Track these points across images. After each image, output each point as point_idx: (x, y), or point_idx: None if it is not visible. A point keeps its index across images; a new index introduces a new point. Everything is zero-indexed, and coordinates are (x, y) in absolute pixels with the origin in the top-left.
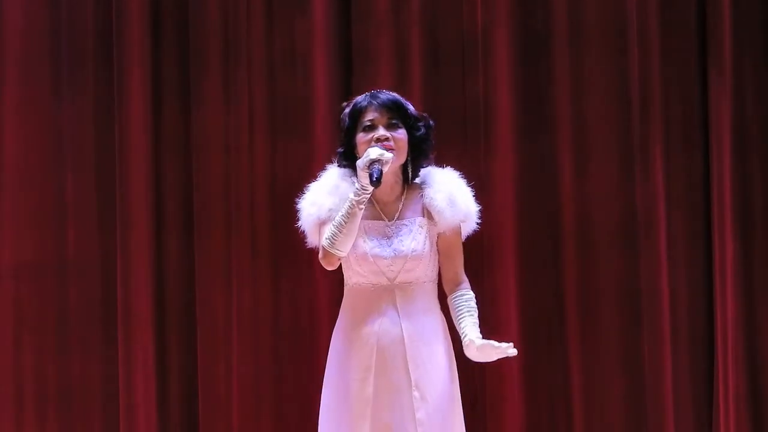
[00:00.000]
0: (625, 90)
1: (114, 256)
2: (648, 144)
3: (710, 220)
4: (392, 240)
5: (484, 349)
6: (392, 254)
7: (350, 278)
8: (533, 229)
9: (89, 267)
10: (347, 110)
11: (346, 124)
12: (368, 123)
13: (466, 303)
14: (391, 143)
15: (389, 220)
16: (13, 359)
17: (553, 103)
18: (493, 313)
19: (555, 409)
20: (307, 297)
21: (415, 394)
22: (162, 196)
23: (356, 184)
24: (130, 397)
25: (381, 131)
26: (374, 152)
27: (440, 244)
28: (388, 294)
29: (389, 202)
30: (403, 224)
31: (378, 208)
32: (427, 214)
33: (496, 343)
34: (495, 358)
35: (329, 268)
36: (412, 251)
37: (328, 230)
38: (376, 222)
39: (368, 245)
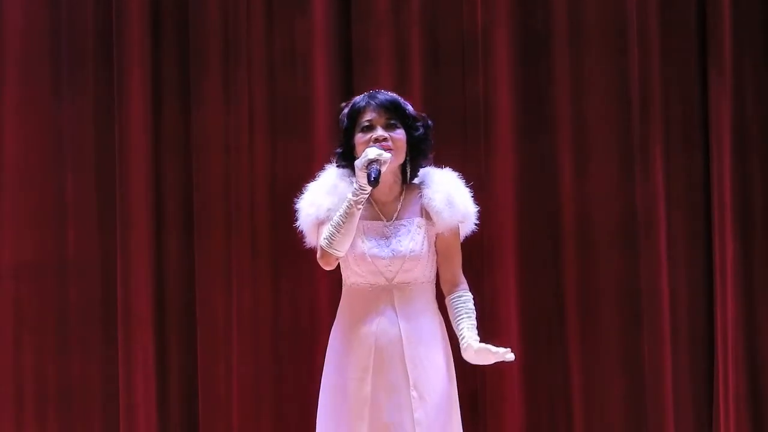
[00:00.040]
0: (625, 90)
1: (114, 256)
2: (648, 144)
3: (710, 220)
4: (390, 240)
5: (481, 353)
6: (390, 254)
7: (348, 278)
8: (533, 229)
9: (89, 267)
10: (346, 110)
11: (345, 124)
12: (366, 123)
13: (464, 305)
14: (389, 143)
15: (388, 221)
16: (13, 359)
17: (553, 103)
18: (493, 313)
19: (555, 409)
20: (307, 297)
21: (414, 394)
22: (162, 196)
23: (354, 184)
24: (130, 397)
25: (379, 131)
26: (372, 152)
27: (438, 244)
28: (386, 294)
29: (388, 202)
30: (402, 224)
31: (376, 209)
32: (426, 214)
33: (493, 348)
34: (492, 362)
35: (327, 268)
36: (411, 251)
37: (326, 230)
38: (374, 222)
39: (366, 245)
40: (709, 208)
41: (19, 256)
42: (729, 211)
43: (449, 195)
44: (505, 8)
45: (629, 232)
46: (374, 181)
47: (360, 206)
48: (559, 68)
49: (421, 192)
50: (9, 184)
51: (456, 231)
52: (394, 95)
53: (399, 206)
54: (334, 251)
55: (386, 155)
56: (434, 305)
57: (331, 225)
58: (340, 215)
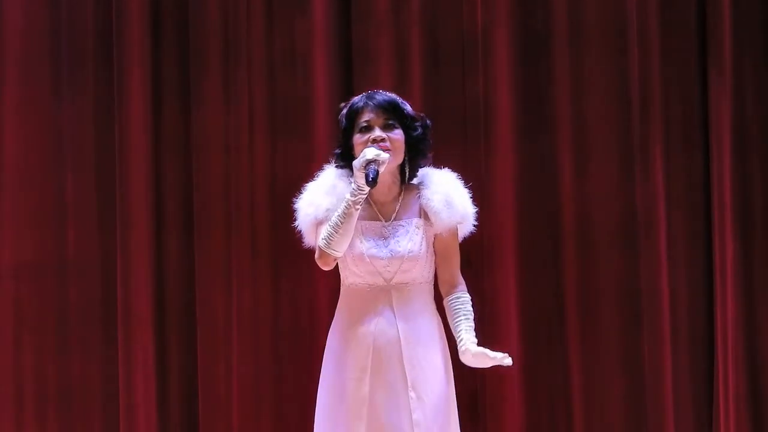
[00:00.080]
0: (625, 90)
1: (114, 256)
2: (648, 144)
3: (710, 220)
4: (389, 240)
5: (479, 357)
6: (389, 255)
7: (347, 278)
8: (533, 229)
9: (89, 267)
10: (344, 111)
11: (344, 125)
12: (364, 124)
13: (462, 306)
14: (387, 144)
15: (386, 221)
16: (13, 359)
17: (553, 103)
18: (493, 313)
19: (555, 409)
20: (307, 297)
21: (412, 394)
22: (162, 196)
23: (353, 185)
24: (130, 397)
25: (377, 132)
26: (371, 152)
27: (437, 245)
28: (385, 294)
29: (386, 202)
30: (400, 225)
31: (375, 209)
32: (424, 215)
33: (491, 353)
34: (490, 365)
35: (325, 269)
36: (409, 252)
37: (324, 230)
38: (373, 222)
39: (365, 246)
40: (709, 208)
41: (19, 256)
42: (729, 211)
43: (448, 196)
44: (505, 8)
45: (629, 232)
46: (372, 182)
47: (358, 206)
48: (559, 68)
49: (419, 192)
50: (9, 184)
51: (454, 232)
52: (392, 95)
53: (398, 207)
54: (332, 251)
55: (384, 155)
56: (432, 306)
57: (330, 225)
58: (339, 215)
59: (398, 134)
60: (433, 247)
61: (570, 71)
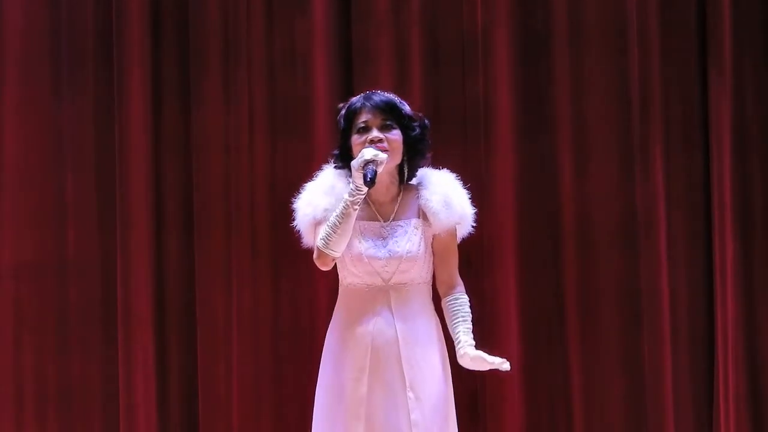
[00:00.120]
0: (625, 90)
1: (114, 256)
2: (648, 144)
3: (710, 220)
4: (387, 241)
5: (477, 361)
6: (387, 255)
7: (345, 278)
8: (533, 229)
9: (89, 267)
10: (343, 112)
11: (342, 125)
12: (362, 125)
13: (460, 307)
14: (385, 144)
15: (385, 221)
16: (13, 359)
17: (553, 103)
18: (492, 313)
19: (555, 409)
20: (307, 297)
21: (410, 395)
22: (162, 196)
23: (351, 185)
24: (130, 397)
25: (375, 133)
26: (369, 153)
27: (435, 245)
28: (383, 295)
29: (385, 202)
30: (399, 225)
31: (374, 209)
32: (423, 215)
33: (489, 358)
34: (487, 368)
35: (324, 269)
36: (407, 252)
37: (322, 230)
38: (371, 223)
39: (363, 246)
40: (709, 208)
41: (19, 256)
42: (729, 211)
43: (446, 196)
44: (505, 8)
45: (629, 232)
46: (370, 182)
47: (356, 207)
48: (559, 68)
49: (418, 193)
50: (9, 184)
51: (453, 232)
52: (391, 96)
53: (396, 207)
54: (331, 251)
55: (382, 156)
56: (431, 306)
57: (328, 225)
58: (337, 215)
59: (396, 135)
60: (432, 247)
61: (570, 71)
